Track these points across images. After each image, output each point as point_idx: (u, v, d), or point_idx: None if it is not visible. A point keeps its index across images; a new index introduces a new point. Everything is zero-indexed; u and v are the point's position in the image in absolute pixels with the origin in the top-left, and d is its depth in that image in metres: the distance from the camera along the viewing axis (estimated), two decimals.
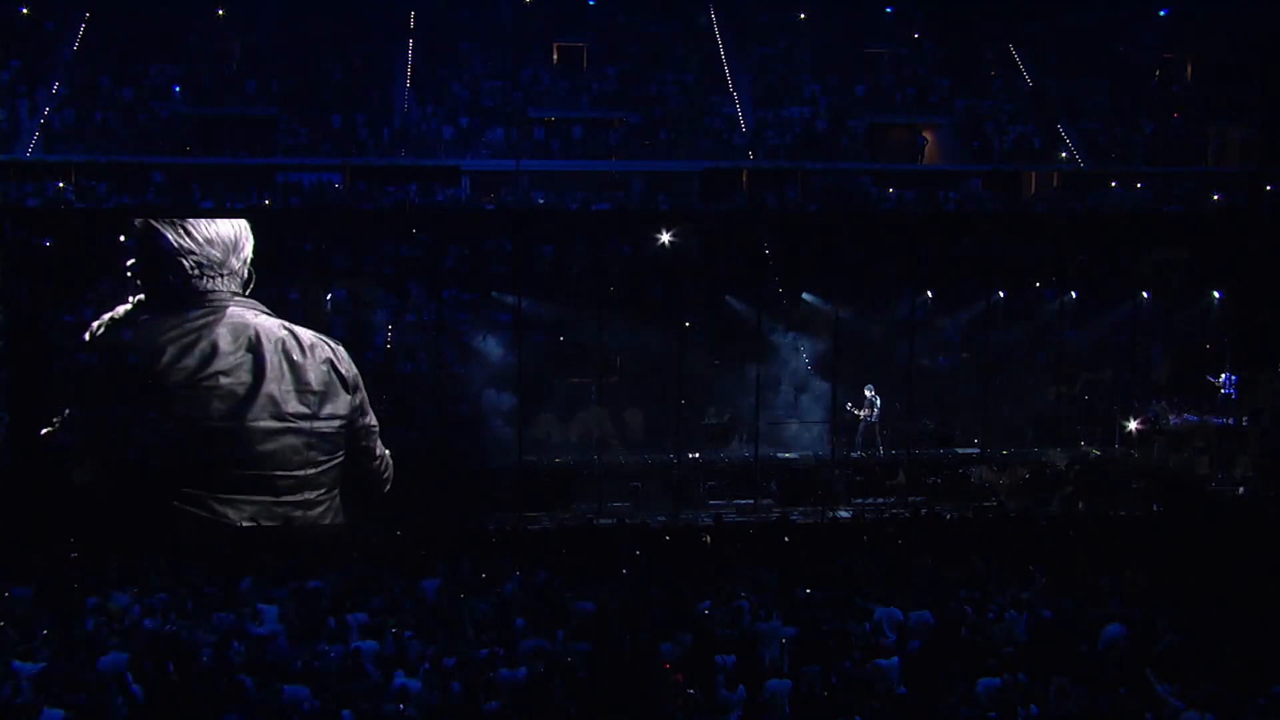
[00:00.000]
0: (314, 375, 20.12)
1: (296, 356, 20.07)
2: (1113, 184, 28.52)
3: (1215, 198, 27.58)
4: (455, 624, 13.43)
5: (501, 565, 15.99)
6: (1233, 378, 23.96)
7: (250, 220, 20.75)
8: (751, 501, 21.63)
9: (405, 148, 27.29)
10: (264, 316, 20.19)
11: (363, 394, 20.46)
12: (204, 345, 19.75)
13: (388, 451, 20.75)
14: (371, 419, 20.57)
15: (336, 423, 20.16)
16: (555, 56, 31.50)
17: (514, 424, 21.51)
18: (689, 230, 21.96)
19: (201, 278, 19.90)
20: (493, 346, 22.66)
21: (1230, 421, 23.79)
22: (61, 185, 24.97)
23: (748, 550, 17.46)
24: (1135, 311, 23.79)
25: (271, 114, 28.09)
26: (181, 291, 19.84)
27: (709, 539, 18.22)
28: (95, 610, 14.04)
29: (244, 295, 20.25)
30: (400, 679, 11.61)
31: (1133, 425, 22.69)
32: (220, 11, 30.02)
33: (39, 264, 22.17)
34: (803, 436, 23.34)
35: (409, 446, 20.96)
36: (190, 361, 19.74)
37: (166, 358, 19.77)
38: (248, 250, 20.30)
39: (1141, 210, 26.75)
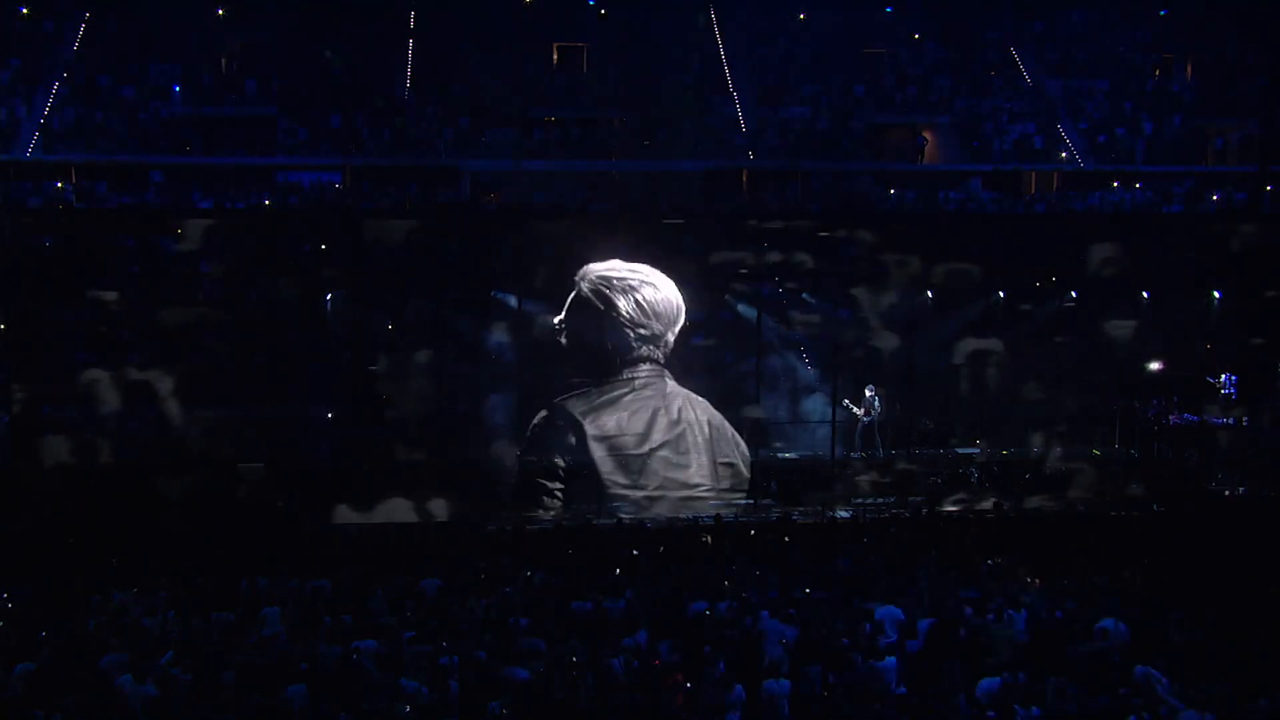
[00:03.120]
0: (727, 448, 20.97)
1: (715, 429, 20.87)
2: (1113, 184, 28.52)
3: (1215, 198, 27.57)
4: (456, 624, 13.43)
5: (501, 565, 16.01)
6: (1233, 378, 23.95)
7: (250, 220, 20.80)
8: (751, 501, 21.63)
9: (405, 148, 27.29)
10: (678, 387, 20.97)
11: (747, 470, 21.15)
12: (645, 415, 20.43)
13: None
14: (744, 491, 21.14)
15: (731, 494, 20.96)
16: (555, 56, 31.50)
17: (514, 424, 21.52)
18: (689, 230, 21.98)
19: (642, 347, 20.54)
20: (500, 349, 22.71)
21: (1230, 421, 23.78)
22: (61, 185, 24.97)
23: (748, 550, 17.47)
24: (1135, 311, 23.78)
25: (271, 114, 28.09)
26: (615, 358, 20.54)
27: (709, 539, 18.21)
28: (96, 610, 14.07)
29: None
30: (400, 679, 11.62)
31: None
32: (220, 11, 30.02)
33: (39, 264, 22.18)
34: (803, 436, 23.34)
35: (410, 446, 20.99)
36: (638, 429, 20.44)
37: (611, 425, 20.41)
38: (680, 326, 20.88)
39: (1141, 210, 26.74)
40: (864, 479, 22.40)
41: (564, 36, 31.58)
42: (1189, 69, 33.25)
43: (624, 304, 20.55)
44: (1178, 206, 27.39)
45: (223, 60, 29.71)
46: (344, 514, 19.62)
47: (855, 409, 22.63)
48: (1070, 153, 29.47)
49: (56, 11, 29.71)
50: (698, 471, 20.89)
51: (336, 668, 12.04)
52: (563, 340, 20.82)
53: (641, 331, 20.57)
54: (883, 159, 29.84)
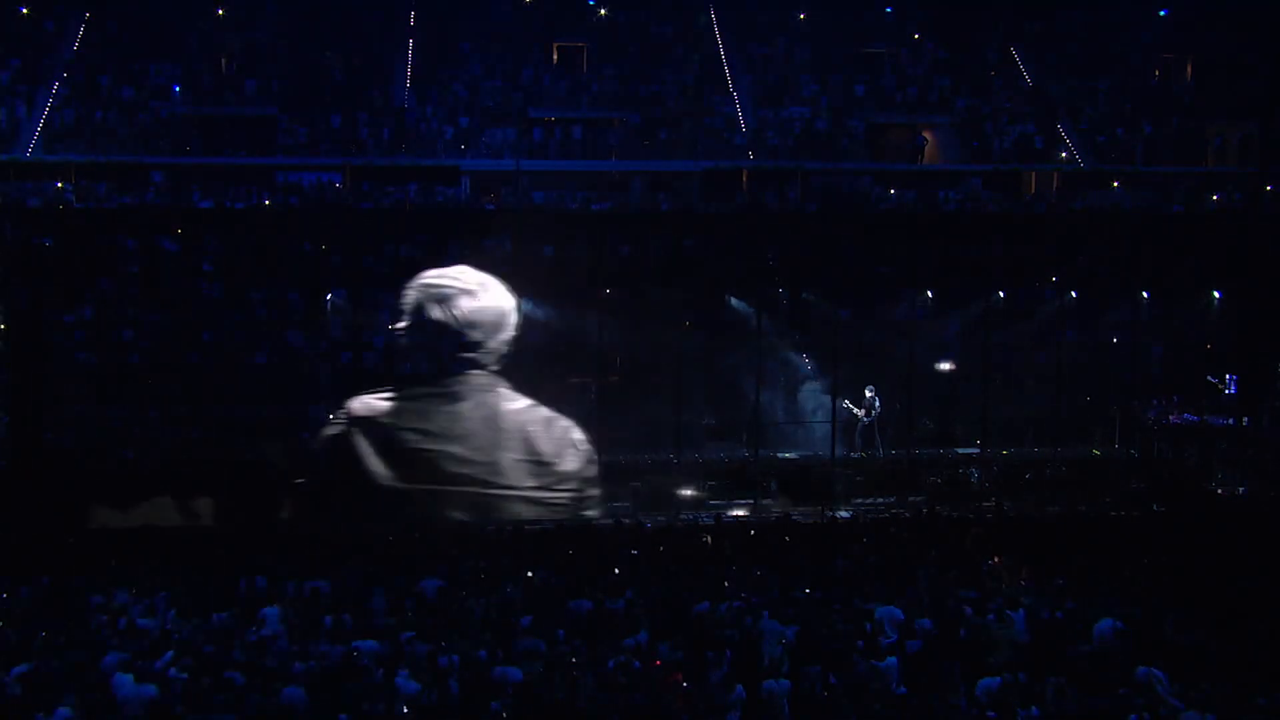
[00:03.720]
0: (549, 448, 21.29)
1: (533, 429, 21.25)
2: (1113, 184, 28.50)
3: (1215, 198, 27.56)
4: (456, 624, 13.44)
5: (501, 565, 16.01)
6: (1233, 378, 23.97)
7: (250, 220, 20.81)
8: (751, 501, 21.63)
9: (405, 148, 27.28)
10: (507, 391, 21.40)
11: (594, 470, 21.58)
12: (442, 415, 21.09)
13: None
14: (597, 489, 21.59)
15: (565, 494, 21.28)
16: (555, 56, 31.49)
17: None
18: (689, 230, 21.97)
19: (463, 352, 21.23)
20: None
21: (1230, 421, 23.79)
22: (61, 185, 24.94)
23: (748, 550, 17.47)
24: (1135, 311, 23.78)
25: (271, 114, 28.07)
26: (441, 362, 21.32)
27: (709, 539, 18.22)
28: (97, 610, 14.07)
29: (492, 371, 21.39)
30: (400, 679, 11.62)
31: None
32: (220, 11, 30.00)
33: (39, 264, 22.18)
34: (803, 437, 23.34)
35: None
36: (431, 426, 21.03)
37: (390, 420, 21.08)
38: (509, 331, 21.43)
39: (1141, 210, 26.71)
40: (864, 479, 22.42)
41: (564, 36, 31.55)
42: (1189, 69, 33.22)
43: (441, 312, 21.34)
44: (1178, 206, 27.36)
45: (223, 60, 29.69)
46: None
47: (855, 409, 22.63)
48: (1070, 153, 29.45)
49: (56, 11, 29.68)
50: (496, 470, 21.23)
51: (336, 668, 12.04)
52: (404, 344, 21.61)
53: (463, 338, 21.30)
54: (883, 159, 29.81)
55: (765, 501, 21.60)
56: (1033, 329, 24.10)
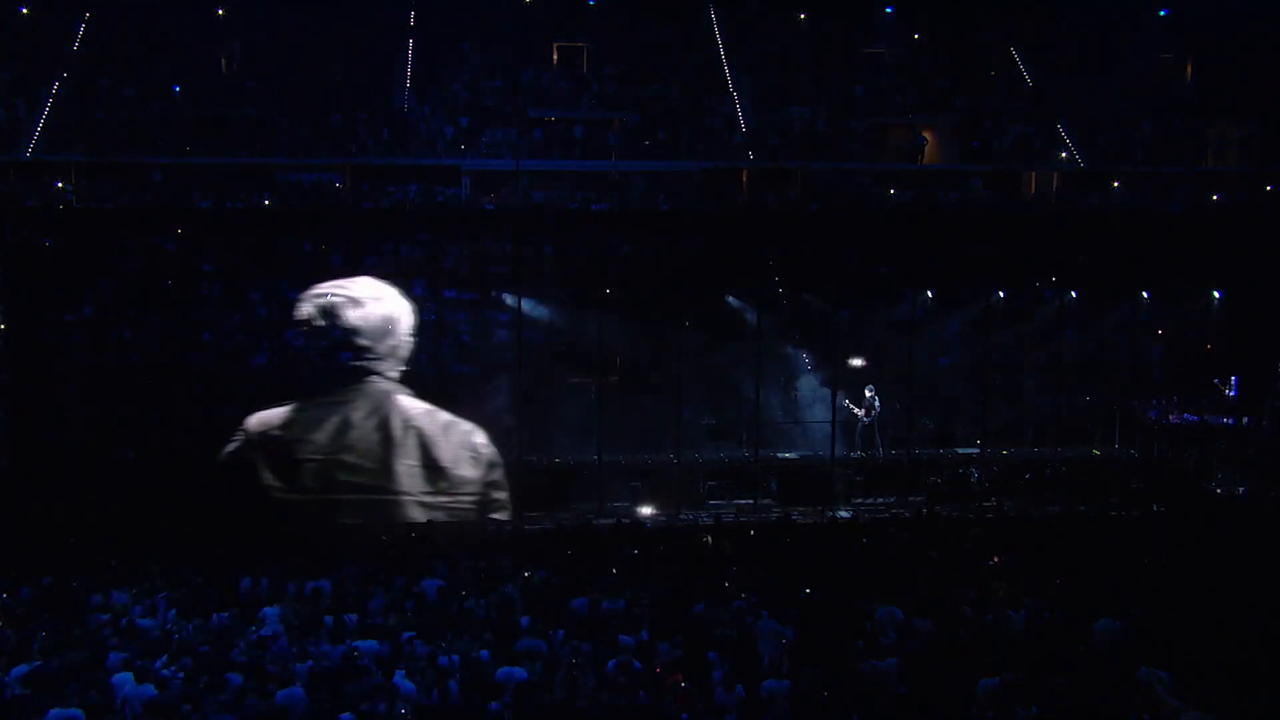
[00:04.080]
0: (446, 454, 21.40)
1: (429, 435, 21.42)
2: (1113, 184, 28.50)
3: (1215, 198, 27.56)
4: (456, 624, 13.43)
5: (501, 565, 16.01)
6: (1234, 379, 23.97)
7: (250, 220, 20.82)
8: (751, 501, 21.63)
9: (405, 148, 27.26)
10: (405, 398, 21.55)
11: (499, 471, 21.71)
12: (333, 425, 21.38)
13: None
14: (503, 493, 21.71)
15: (466, 499, 21.49)
16: (555, 56, 31.48)
17: (513, 423, 21.57)
18: (689, 230, 21.97)
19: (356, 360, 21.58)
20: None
21: (1230, 422, 23.79)
22: (61, 185, 24.94)
23: (748, 550, 17.47)
24: (1135, 311, 23.79)
25: (271, 114, 28.07)
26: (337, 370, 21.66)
27: (709, 539, 18.23)
28: (97, 609, 14.06)
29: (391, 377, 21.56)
30: (400, 679, 11.62)
31: None
32: (220, 11, 29.98)
33: (39, 264, 22.19)
34: (803, 437, 23.34)
35: None
36: (322, 437, 21.30)
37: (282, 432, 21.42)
38: (400, 338, 21.71)
39: (1141, 210, 26.71)
40: (864, 479, 22.43)
41: (564, 36, 31.53)
42: (1189, 69, 33.22)
43: (326, 321, 21.80)
44: (1178, 206, 27.36)
45: (223, 60, 29.68)
46: None
47: (855, 409, 22.63)
48: (1070, 153, 29.45)
49: (56, 11, 29.66)
50: (388, 476, 21.48)
51: (337, 668, 12.04)
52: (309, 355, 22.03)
53: (354, 346, 21.70)
54: (883, 159, 29.80)
55: (765, 501, 21.59)
56: (1033, 329, 24.10)
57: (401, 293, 22.23)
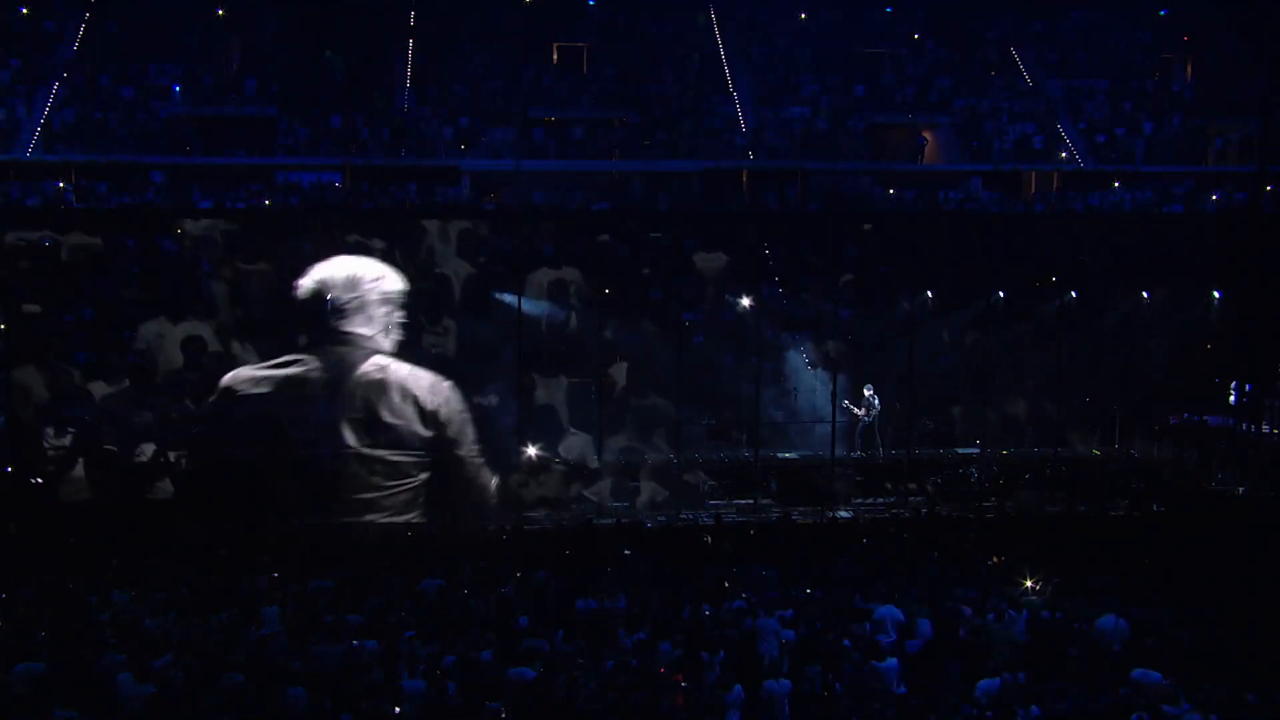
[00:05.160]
0: (393, 404, 20.93)
1: (380, 387, 20.92)
2: (1114, 184, 28.52)
3: (1215, 198, 27.57)
4: (456, 624, 13.43)
5: (501, 565, 15.99)
6: (1235, 384, 23.97)
7: (250, 220, 20.79)
8: (751, 501, 21.62)
9: (405, 148, 27.29)
10: (376, 357, 21.14)
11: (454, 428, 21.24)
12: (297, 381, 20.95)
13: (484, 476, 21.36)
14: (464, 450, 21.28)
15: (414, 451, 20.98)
16: (555, 56, 31.51)
17: (513, 423, 21.54)
18: (689, 230, 21.98)
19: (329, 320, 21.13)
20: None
21: (1230, 422, 23.78)
22: (61, 185, 24.96)
23: (748, 550, 17.46)
24: (1135, 311, 23.78)
25: (271, 114, 28.09)
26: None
27: (709, 539, 18.21)
28: (97, 609, 14.06)
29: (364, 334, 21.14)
30: (400, 679, 11.62)
31: None
32: (220, 11, 30.00)
33: (39, 264, 22.18)
34: (803, 436, 23.33)
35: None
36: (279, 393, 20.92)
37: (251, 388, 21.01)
38: (364, 290, 21.14)
39: (1141, 210, 26.74)
40: (864, 479, 22.40)
41: (564, 36, 31.57)
42: (1189, 69, 33.25)
43: (310, 294, 21.33)
44: (1178, 206, 27.38)
45: (223, 60, 29.71)
46: None
47: (855, 409, 22.62)
48: (1070, 153, 29.47)
49: (56, 11, 29.69)
50: (335, 430, 20.95)
51: (336, 668, 12.04)
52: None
53: (323, 301, 21.25)
54: (883, 159, 29.83)
55: (765, 501, 21.58)
56: (1033, 329, 24.09)
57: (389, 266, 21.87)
